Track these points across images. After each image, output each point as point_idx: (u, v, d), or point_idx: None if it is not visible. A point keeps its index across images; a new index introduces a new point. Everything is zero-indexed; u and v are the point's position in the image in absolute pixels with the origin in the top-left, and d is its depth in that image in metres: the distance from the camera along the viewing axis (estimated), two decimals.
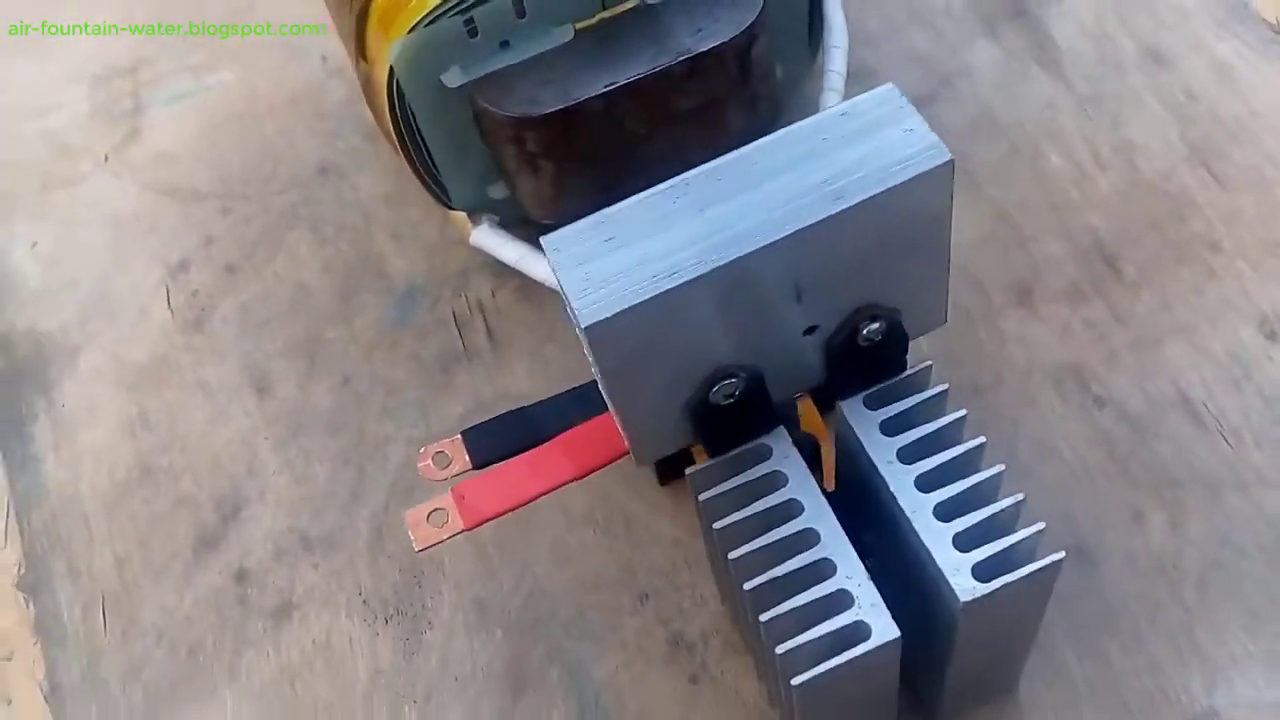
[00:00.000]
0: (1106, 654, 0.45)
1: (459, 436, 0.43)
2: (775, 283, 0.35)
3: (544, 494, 0.41)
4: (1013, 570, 0.36)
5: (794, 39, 0.55)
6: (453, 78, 0.50)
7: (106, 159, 0.67)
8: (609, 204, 0.36)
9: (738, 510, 0.38)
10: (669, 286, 0.33)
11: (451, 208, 0.56)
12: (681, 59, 0.49)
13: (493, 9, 0.48)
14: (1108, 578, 0.46)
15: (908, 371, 0.40)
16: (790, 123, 0.51)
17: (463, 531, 0.40)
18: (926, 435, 0.39)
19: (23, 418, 0.58)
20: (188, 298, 0.61)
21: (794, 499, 0.38)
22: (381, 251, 0.61)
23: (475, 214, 0.56)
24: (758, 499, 0.38)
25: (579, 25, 0.50)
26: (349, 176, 0.64)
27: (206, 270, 0.61)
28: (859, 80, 0.60)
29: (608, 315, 0.33)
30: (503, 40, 0.49)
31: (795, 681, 0.35)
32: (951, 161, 0.34)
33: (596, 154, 0.51)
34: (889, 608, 0.36)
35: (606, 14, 0.50)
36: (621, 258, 0.34)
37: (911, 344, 0.39)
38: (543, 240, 0.35)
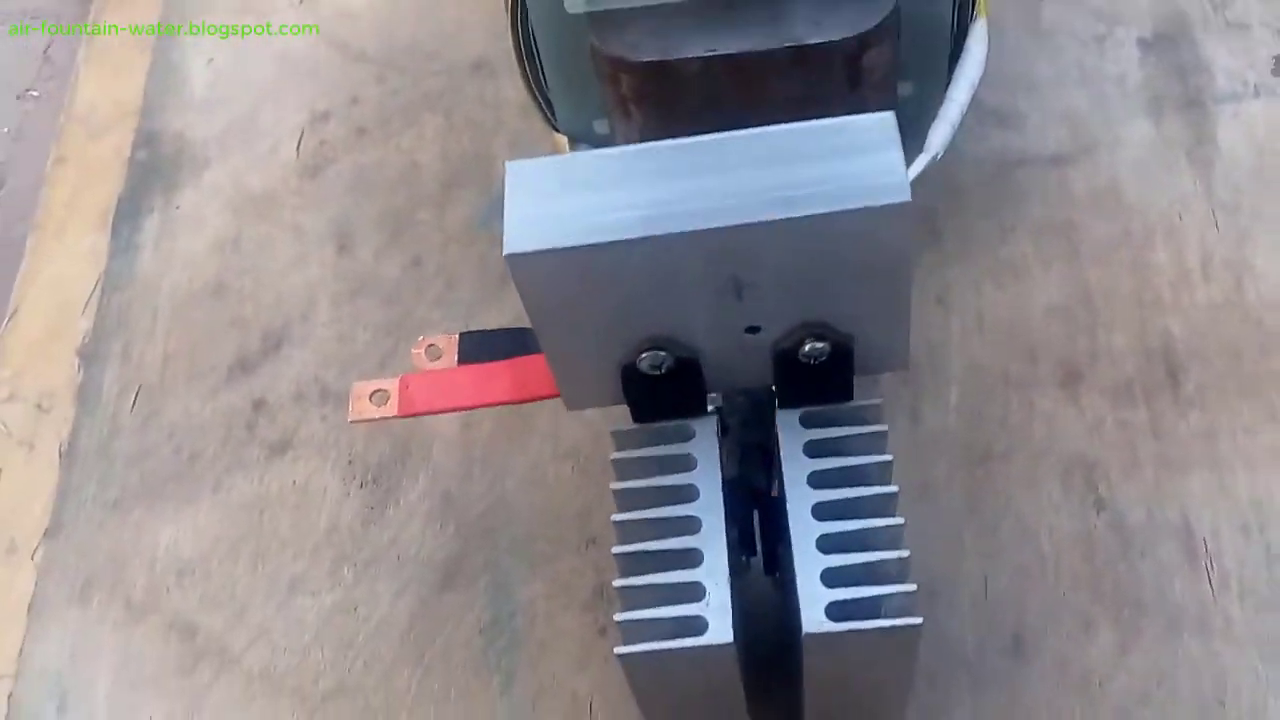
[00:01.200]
0: None
1: (457, 335, 0.45)
2: (712, 270, 0.35)
3: (479, 407, 0.42)
4: (867, 619, 0.35)
5: (930, 59, 0.54)
6: (574, 4, 0.51)
7: (301, 0, 0.71)
8: None
9: (639, 478, 0.39)
10: (597, 240, 0.34)
11: (557, 129, 0.57)
12: (787, 46, 0.49)
13: None
14: (1030, 675, 0.44)
15: (856, 402, 0.39)
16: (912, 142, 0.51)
17: (395, 417, 0.42)
18: (845, 468, 0.38)
19: (140, 209, 0.63)
20: (316, 146, 0.64)
21: (693, 485, 0.38)
22: (496, 155, 0.63)
23: (576, 141, 0.57)
24: (661, 474, 0.38)
25: None
26: (497, 77, 0.66)
27: (342, 126, 0.65)
28: (1001, 120, 0.59)
29: (530, 250, 0.34)
30: None
31: (618, 650, 0.36)
32: (909, 205, 0.33)
33: (686, 116, 0.51)
34: (751, 620, 0.36)
35: None
36: (570, 202, 0.35)
37: (895, 381, 0.39)
38: (506, 164, 0.36)
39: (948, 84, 0.56)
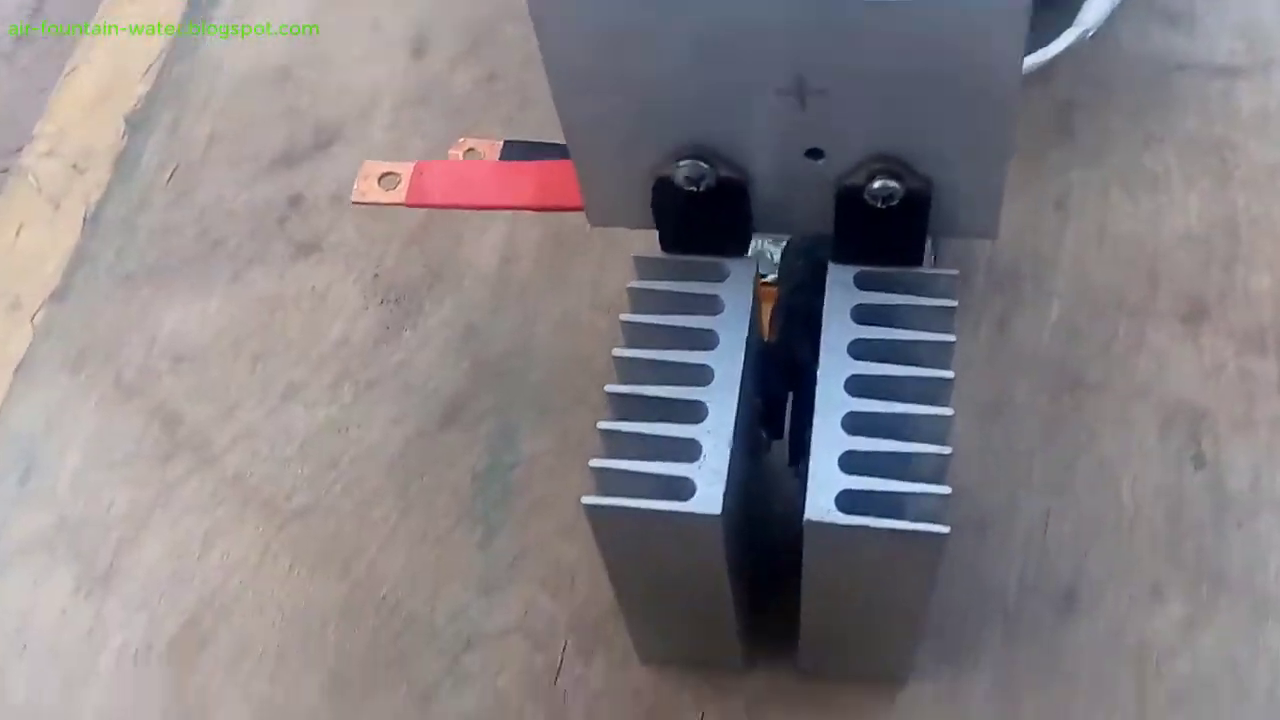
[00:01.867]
0: (1019, 705, 0.37)
1: (500, 141, 0.40)
2: (772, 62, 0.28)
3: (495, 208, 0.37)
4: (883, 517, 0.29)
5: None
6: None
7: None
8: None
9: (654, 313, 0.33)
10: (635, 8, 0.28)
11: None
12: None
13: None
14: (1075, 634, 0.38)
15: (925, 268, 0.33)
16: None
17: (402, 205, 0.37)
18: (896, 341, 0.32)
19: None
20: None
21: (713, 331, 0.32)
22: None
23: None
24: (680, 313, 0.33)
25: None
26: None
27: None
28: (1171, 19, 0.51)
29: (557, 10, 0.28)
30: None
31: (584, 500, 0.30)
32: (1022, 13, 0.27)
33: None
34: (755, 507, 0.30)
35: None
36: None
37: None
38: None
39: None
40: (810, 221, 0.33)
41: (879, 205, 0.31)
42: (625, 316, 0.33)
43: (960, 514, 0.40)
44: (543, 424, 0.44)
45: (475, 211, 0.47)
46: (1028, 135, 0.48)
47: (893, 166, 0.30)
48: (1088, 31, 0.44)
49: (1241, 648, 0.37)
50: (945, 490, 0.30)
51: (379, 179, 0.37)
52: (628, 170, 0.32)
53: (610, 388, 0.32)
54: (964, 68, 0.28)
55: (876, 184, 0.30)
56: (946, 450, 0.30)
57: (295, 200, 0.51)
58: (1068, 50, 0.45)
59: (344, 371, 0.46)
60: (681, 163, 0.31)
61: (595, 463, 0.31)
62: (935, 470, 0.30)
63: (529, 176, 0.36)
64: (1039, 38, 0.45)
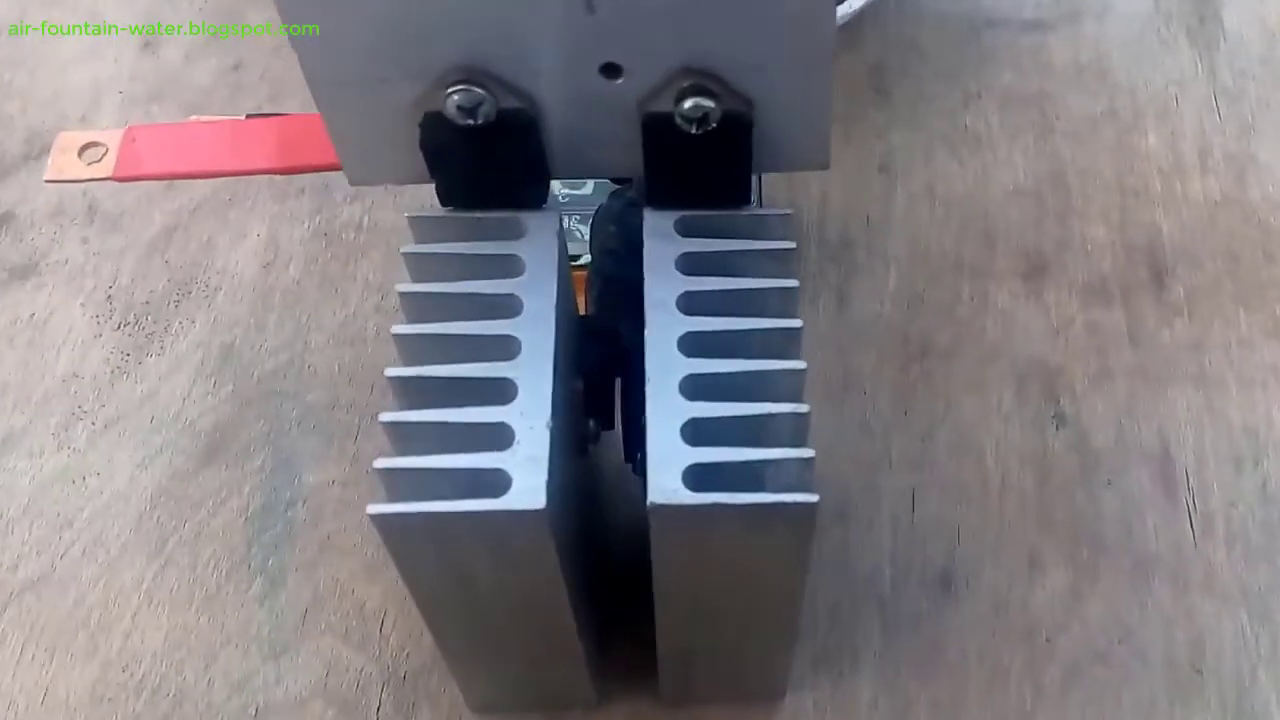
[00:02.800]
0: (910, 703, 0.32)
1: (244, 116, 0.33)
2: None
3: (229, 174, 0.30)
4: (742, 491, 0.24)
5: None
6: None
7: None
8: None
9: (442, 280, 0.27)
10: None
11: None
12: None
13: None
14: (957, 618, 0.34)
15: (755, 209, 0.28)
16: None
17: (110, 179, 0.30)
18: (729, 291, 0.27)
19: None
20: None
21: (515, 295, 0.26)
22: None
23: None
24: (473, 278, 0.27)
25: None
26: None
27: None
28: None
29: None
30: None
31: (370, 510, 0.24)
32: None
33: None
34: (583, 498, 0.25)
35: None
36: None
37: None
38: None
39: None
40: (616, 160, 0.27)
41: (693, 131, 0.26)
42: (402, 287, 0.27)
43: (820, 504, 0.35)
44: (327, 451, 0.38)
45: (226, 206, 0.41)
46: (842, 99, 0.45)
47: (705, 83, 0.25)
48: None
49: (1131, 611, 0.34)
50: (809, 453, 0.25)
51: (79, 151, 0.30)
52: (386, 105, 0.26)
53: (391, 371, 0.26)
54: None
55: (688, 104, 0.25)
56: (804, 408, 0.25)
57: (6, 218, 0.43)
58: (870, 8, 0.42)
59: (75, 411, 0.39)
60: (452, 90, 0.25)
61: (381, 463, 0.25)
62: (794, 432, 0.25)
63: (269, 136, 0.30)
64: None
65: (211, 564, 0.36)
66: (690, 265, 0.27)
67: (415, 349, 0.26)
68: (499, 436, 0.25)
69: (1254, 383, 0.38)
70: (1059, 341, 0.39)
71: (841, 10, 0.41)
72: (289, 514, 0.36)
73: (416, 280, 0.27)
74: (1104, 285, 0.40)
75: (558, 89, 0.26)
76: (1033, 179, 0.43)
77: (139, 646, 0.34)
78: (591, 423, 0.30)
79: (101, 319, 0.41)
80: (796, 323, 0.26)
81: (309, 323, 0.40)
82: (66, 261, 0.42)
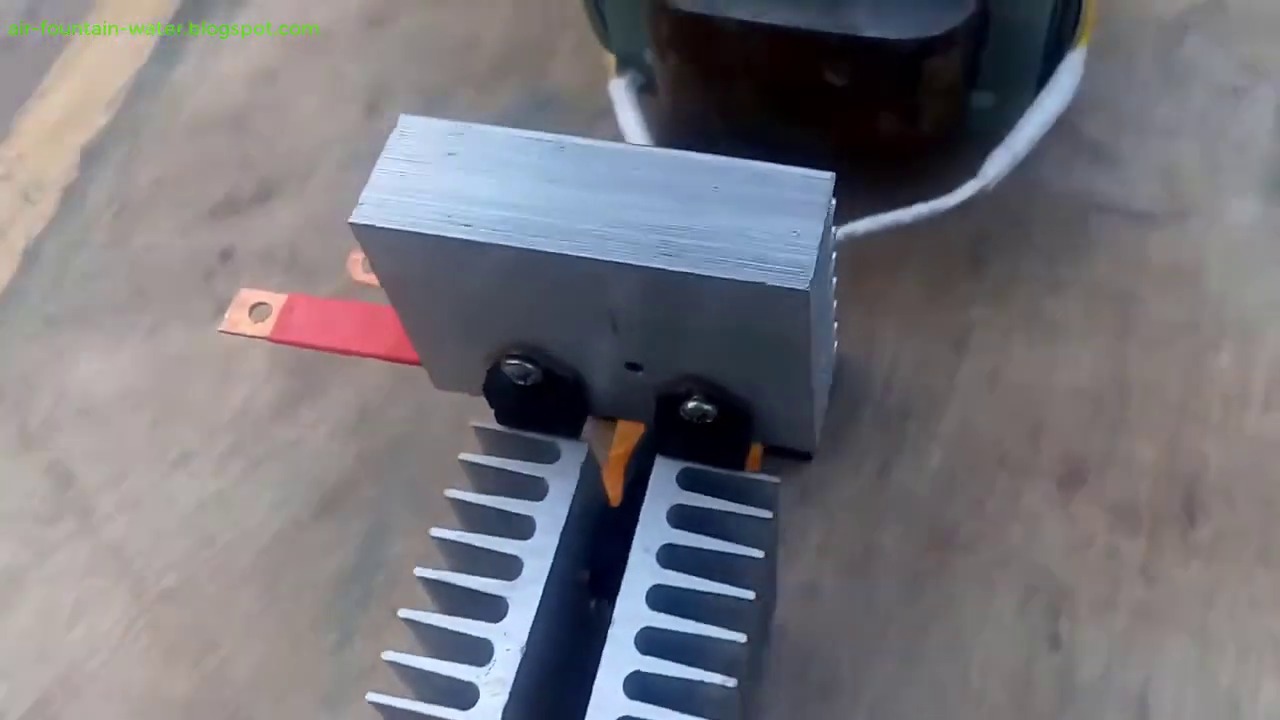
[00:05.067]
0: None
1: None
2: (582, 299, 0.25)
3: (351, 354, 0.33)
4: None
5: (1016, 75, 0.41)
6: None
7: None
8: (722, 131, 0.33)
9: (479, 492, 0.30)
10: (452, 235, 0.25)
11: (608, 48, 0.47)
12: (838, 33, 0.37)
13: None
14: None
15: (746, 473, 0.29)
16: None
17: (266, 339, 0.34)
18: (707, 553, 0.28)
19: (198, 16, 0.55)
20: None
21: (531, 519, 0.29)
22: (556, 50, 0.52)
23: (625, 66, 0.47)
24: (503, 494, 0.29)
25: None
26: None
27: None
28: (1096, 156, 0.46)
29: (375, 224, 0.26)
30: None
31: (370, 698, 0.27)
32: (805, 295, 0.23)
33: (720, 76, 0.41)
34: (574, 668, 0.27)
35: None
36: (443, 178, 0.26)
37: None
38: (401, 118, 0.27)
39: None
40: (643, 414, 0.29)
41: (694, 421, 0.27)
42: (451, 493, 0.30)
43: (813, 672, 0.37)
44: (417, 525, 0.41)
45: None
46: (939, 266, 0.44)
47: (707, 388, 0.27)
48: (988, 186, 0.39)
49: None
50: None
51: (250, 309, 0.34)
52: (464, 358, 0.29)
53: (420, 571, 0.29)
54: (757, 329, 0.24)
55: (690, 404, 0.27)
56: (731, 682, 0.27)
57: (226, 254, 0.48)
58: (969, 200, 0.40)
59: (238, 444, 0.43)
60: (509, 361, 0.28)
61: (388, 656, 0.28)
62: (722, 699, 0.27)
63: (390, 327, 0.32)
64: (948, 175, 0.41)
65: (305, 608, 0.40)
66: (679, 519, 0.29)
67: (447, 552, 0.29)
68: (481, 652, 0.27)
69: (1251, 649, 0.36)
70: (1075, 559, 0.38)
71: (935, 206, 0.40)
72: (373, 579, 0.40)
73: (466, 488, 0.30)
74: (1134, 510, 0.39)
75: (593, 371, 0.28)
76: (1096, 382, 0.41)
77: (231, 672, 0.39)
78: (594, 603, 0.32)
79: (276, 364, 0.45)
80: (749, 595, 0.28)
81: (430, 404, 0.43)
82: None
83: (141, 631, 0.40)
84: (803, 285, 0.23)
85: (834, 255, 0.26)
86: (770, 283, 0.23)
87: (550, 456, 0.30)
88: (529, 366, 0.28)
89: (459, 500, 0.30)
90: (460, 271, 0.25)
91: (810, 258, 0.23)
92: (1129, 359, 0.42)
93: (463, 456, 0.30)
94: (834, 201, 0.24)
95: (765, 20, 0.38)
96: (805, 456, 0.40)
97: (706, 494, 0.29)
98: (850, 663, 0.37)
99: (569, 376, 0.28)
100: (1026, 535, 0.39)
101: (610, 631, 0.27)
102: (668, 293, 0.24)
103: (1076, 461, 0.40)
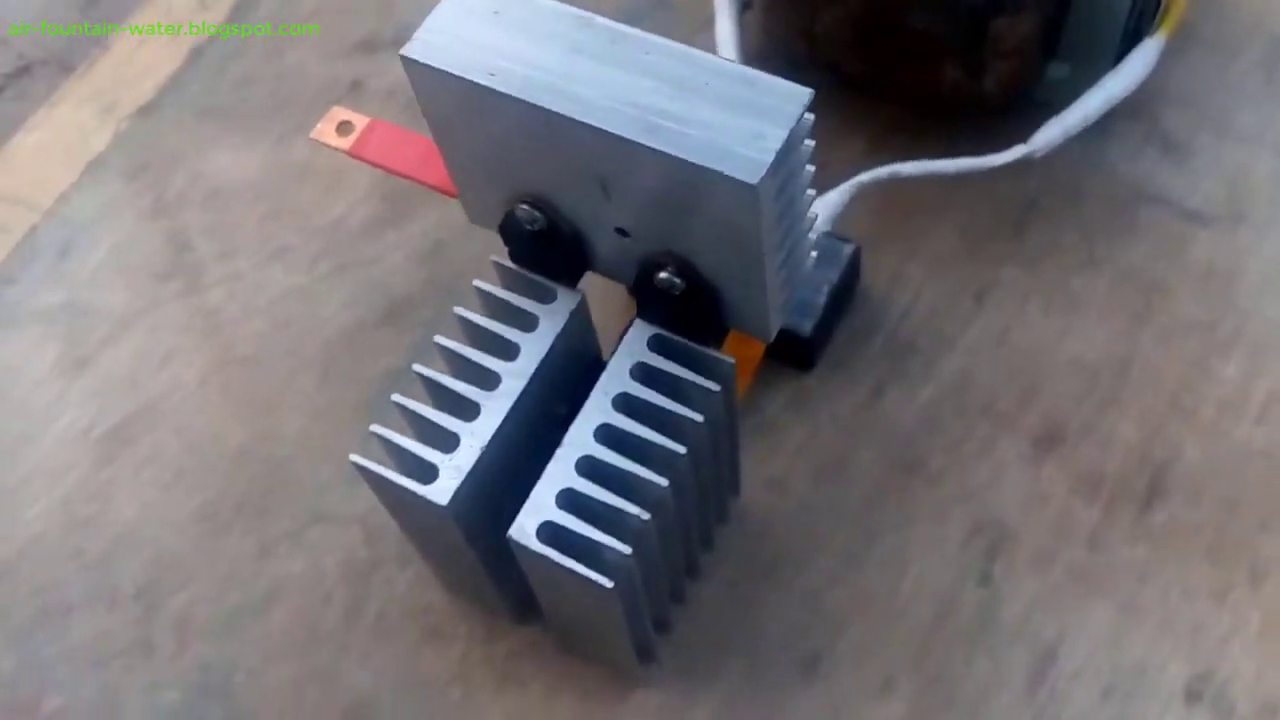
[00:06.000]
0: None
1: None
2: (579, 160, 0.29)
3: (411, 179, 0.37)
4: (564, 555, 0.30)
5: (1093, 50, 0.42)
6: None
7: None
8: (804, 56, 0.34)
9: (481, 314, 0.33)
10: (478, 81, 0.29)
11: None
12: None
13: None
14: (805, 703, 0.38)
15: (708, 350, 0.32)
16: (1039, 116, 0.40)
17: (345, 152, 0.38)
18: (655, 407, 0.32)
19: None
20: None
21: (517, 344, 0.32)
22: None
23: None
24: (502, 321, 0.33)
25: None
26: None
27: None
28: (1166, 147, 0.46)
29: (420, 59, 0.29)
30: None
31: (352, 458, 0.32)
32: (754, 189, 0.26)
33: (811, 6, 0.42)
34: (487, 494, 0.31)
35: None
36: (485, 31, 0.29)
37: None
38: None
39: None
40: (629, 278, 0.32)
41: (666, 289, 0.30)
42: (459, 310, 0.33)
43: (761, 555, 0.40)
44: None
45: None
46: (982, 224, 0.45)
47: (680, 264, 0.29)
48: (1035, 152, 0.40)
49: None
50: (625, 549, 0.30)
51: (338, 125, 0.38)
52: (488, 196, 0.33)
53: (416, 366, 0.33)
54: (712, 210, 0.27)
55: (663, 275, 0.30)
56: (646, 516, 0.30)
57: (356, 85, 0.52)
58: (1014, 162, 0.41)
59: (328, 249, 0.48)
60: (521, 205, 0.31)
61: (375, 429, 0.32)
62: (638, 531, 0.30)
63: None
64: (1015, 138, 0.42)
65: (352, 396, 0.45)
66: (640, 374, 0.32)
67: (443, 356, 0.33)
68: (448, 442, 0.31)
69: (1169, 632, 0.38)
70: (1029, 513, 0.40)
71: (981, 161, 0.42)
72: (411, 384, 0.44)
73: (472, 309, 0.34)
74: (1099, 482, 0.40)
75: (590, 230, 0.31)
76: (1100, 359, 0.42)
77: (279, 434, 0.44)
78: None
79: (375, 187, 0.49)
80: (680, 450, 0.31)
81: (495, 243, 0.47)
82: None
83: (215, 386, 0.45)
84: (753, 180, 0.25)
85: (809, 168, 0.28)
86: (726, 172, 0.25)
87: (547, 298, 0.33)
88: (536, 214, 0.31)
89: (464, 318, 0.33)
90: (482, 116, 0.29)
91: (767, 158, 0.25)
92: (1138, 344, 0.43)
93: (476, 283, 0.34)
94: (810, 115, 0.27)
95: None
96: (807, 366, 0.42)
97: (669, 359, 0.32)
98: (796, 555, 0.40)
99: (568, 230, 0.31)
100: (989, 481, 0.41)
101: (558, 452, 0.31)
102: (642, 166, 0.27)
103: (1057, 426, 0.42)
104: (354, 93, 0.52)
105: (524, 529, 0.30)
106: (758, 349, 0.41)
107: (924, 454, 0.41)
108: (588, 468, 0.31)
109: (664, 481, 0.30)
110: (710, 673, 0.38)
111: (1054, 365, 0.43)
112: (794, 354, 0.42)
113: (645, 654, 0.37)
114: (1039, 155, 0.41)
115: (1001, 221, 0.45)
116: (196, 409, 0.45)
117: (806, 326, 0.41)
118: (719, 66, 0.27)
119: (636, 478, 0.30)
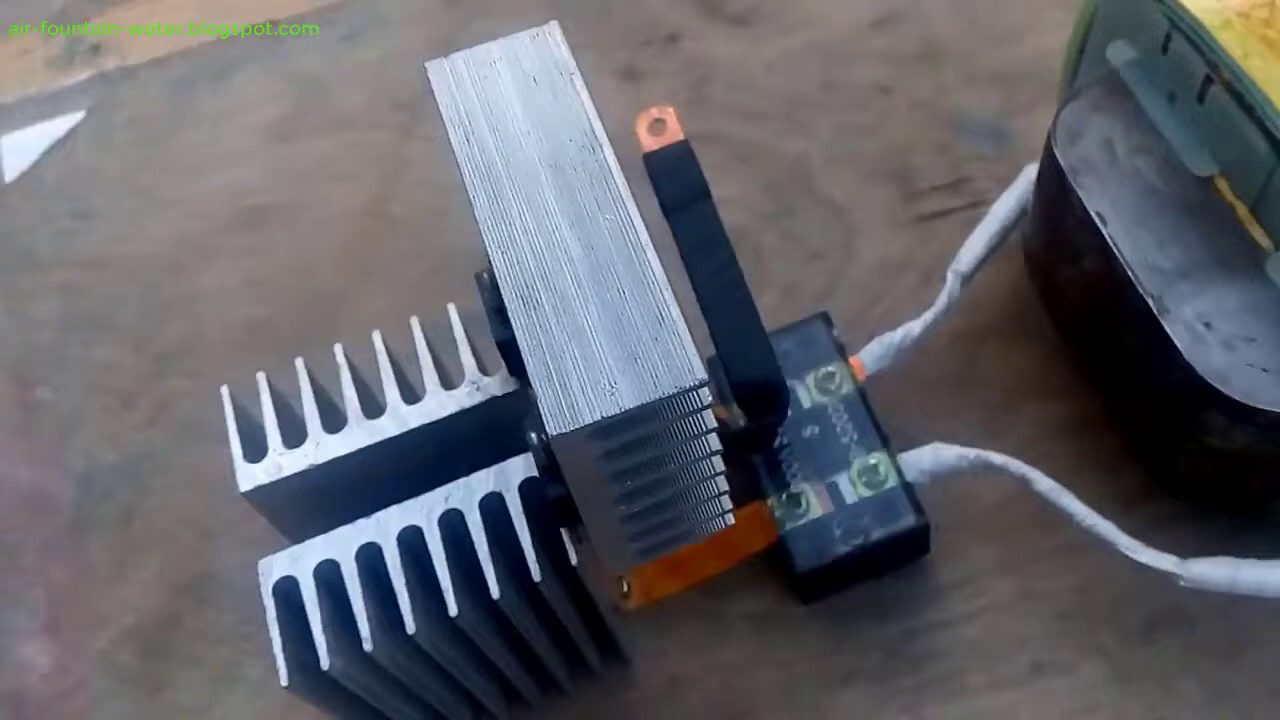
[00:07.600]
0: None
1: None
2: None
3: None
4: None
5: None
6: None
7: None
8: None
9: (424, 338, 0.29)
10: None
11: None
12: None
13: None
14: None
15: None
16: None
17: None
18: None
19: None
20: None
21: (428, 392, 0.28)
22: None
23: None
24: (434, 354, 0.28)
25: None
26: None
27: None
28: None
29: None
30: None
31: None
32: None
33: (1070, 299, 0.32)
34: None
35: None
36: None
37: None
38: None
39: None
40: None
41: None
42: (413, 320, 0.30)
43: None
44: None
45: None
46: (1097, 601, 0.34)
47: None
48: (1182, 580, 0.29)
49: None
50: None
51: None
52: None
53: (338, 350, 0.29)
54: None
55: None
56: (370, 646, 0.25)
57: None
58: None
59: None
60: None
61: (261, 378, 0.29)
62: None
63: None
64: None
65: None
66: (486, 506, 0.26)
67: (370, 357, 0.29)
68: (296, 437, 0.28)
69: None
70: None
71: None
72: None
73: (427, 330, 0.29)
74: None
75: None
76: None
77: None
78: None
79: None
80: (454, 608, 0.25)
81: None
82: None
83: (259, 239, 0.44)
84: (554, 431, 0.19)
85: (708, 440, 0.21)
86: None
87: (490, 370, 0.28)
88: None
89: (415, 331, 0.29)
90: None
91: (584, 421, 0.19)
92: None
93: (449, 307, 0.29)
94: (703, 392, 0.19)
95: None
96: (803, 599, 0.35)
97: (524, 516, 0.26)
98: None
99: None
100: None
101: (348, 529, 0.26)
102: None
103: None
104: None
105: (270, 567, 0.26)
106: (756, 545, 0.34)
107: None
108: (367, 557, 0.26)
109: (412, 627, 0.25)
110: None
111: None
112: (792, 581, 0.34)
113: None
114: (1184, 584, 0.29)
115: (1120, 609, 0.34)
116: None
117: (807, 564, 0.33)
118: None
119: (403, 600, 0.26)
